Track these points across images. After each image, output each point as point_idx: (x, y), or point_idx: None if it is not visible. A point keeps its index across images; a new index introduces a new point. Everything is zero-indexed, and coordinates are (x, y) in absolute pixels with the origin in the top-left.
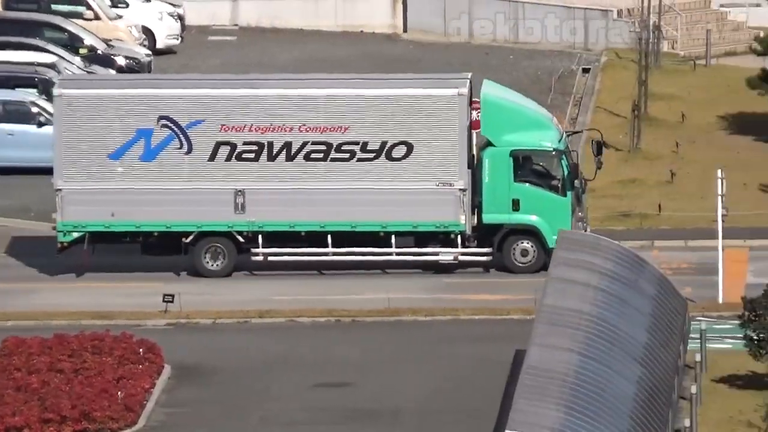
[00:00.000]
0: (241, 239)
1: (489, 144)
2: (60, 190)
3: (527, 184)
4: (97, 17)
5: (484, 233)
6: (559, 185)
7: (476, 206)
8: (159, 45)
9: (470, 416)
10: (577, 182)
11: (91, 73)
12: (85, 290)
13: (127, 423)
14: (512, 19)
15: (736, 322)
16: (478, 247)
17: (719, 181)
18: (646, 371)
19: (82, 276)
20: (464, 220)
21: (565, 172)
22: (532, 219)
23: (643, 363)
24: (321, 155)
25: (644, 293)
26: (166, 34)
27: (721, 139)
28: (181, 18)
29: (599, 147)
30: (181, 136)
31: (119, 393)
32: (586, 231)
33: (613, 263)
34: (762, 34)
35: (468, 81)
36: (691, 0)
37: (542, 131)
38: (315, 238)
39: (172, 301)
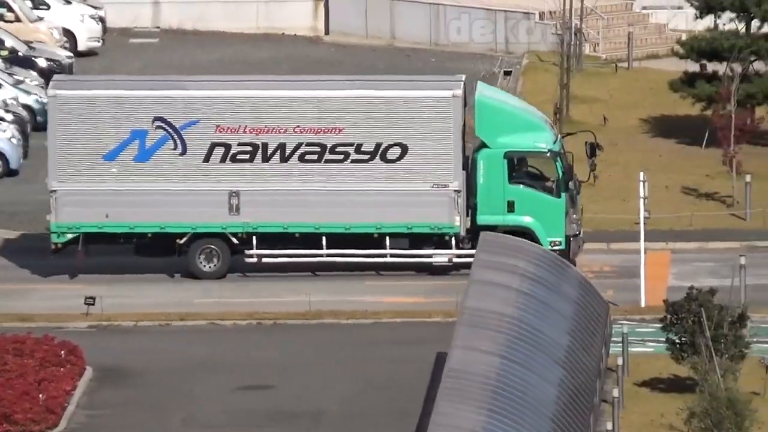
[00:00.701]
0: (235, 240)
1: (483, 146)
2: (54, 191)
3: (522, 186)
4: (17, 19)
5: (478, 235)
6: (554, 187)
7: (471, 208)
8: (80, 47)
9: (392, 418)
10: (571, 184)
11: (12, 75)
12: (5, 293)
13: (48, 425)
14: (434, 21)
15: (658, 325)
16: (472, 248)
17: (641, 183)
18: (567, 374)
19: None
20: (459, 222)
21: (560, 174)
22: (527, 220)
23: (564, 366)
24: (315, 156)
25: (566, 296)
26: (88, 37)
27: (643, 142)
28: (102, 20)
29: (593, 149)
30: (175, 137)
31: (40, 395)
32: (580, 233)
33: (536, 266)
34: (684, 37)
35: (462, 83)
36: (612, 3)
37: (537, 133)
38: (309, 240)
39: (93, 304)
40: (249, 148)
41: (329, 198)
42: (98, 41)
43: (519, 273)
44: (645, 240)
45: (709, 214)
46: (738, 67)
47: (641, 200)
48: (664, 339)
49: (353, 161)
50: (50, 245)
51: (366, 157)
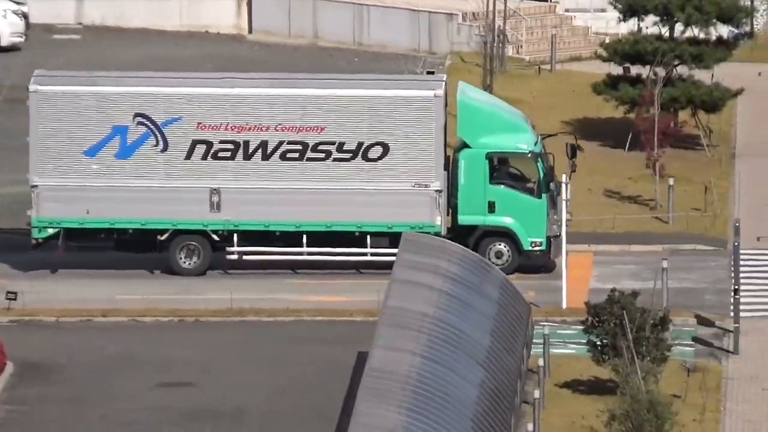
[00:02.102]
0: (216, 238)
1: (465, 146)
2: (35, 186)
3: (503, 186)
4: None
5: (459, 234)
6: (535, 188)
7: (452, 208)
8: (3, 43)
9: (312, 417)
10: (552, 185)
11: None
12: None
13: None
14: (358, 21)
15: (580, 327)
16: None
17: (563, 185)
18: (489, 375)
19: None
20: (440, 221)
21: (541, 175)
22: (508, 221)
23: (486, 367)
24: (297, 155)
25: (488, 297)
26: (11, 32)
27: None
28: (25, 16)
29: (573, 150)
30: (157, 133)
31: None
32: (560, 234)
33: (458, 266)
34: (607, 40)
35: (444, 83)
36: (535, 5)
37: (518, 134)
38: (290, 238)
39: (15, 299)
40: (230, 146)
41: (310, 196)
42: (21, 37)
43: (441, 273)
44: (567, 242)
45: (632, 217)
46: (661, 71)
47: (563, 202)
48: (585, 341)
49: (335, 160)
50: (30, 240)
51: (348, 156)
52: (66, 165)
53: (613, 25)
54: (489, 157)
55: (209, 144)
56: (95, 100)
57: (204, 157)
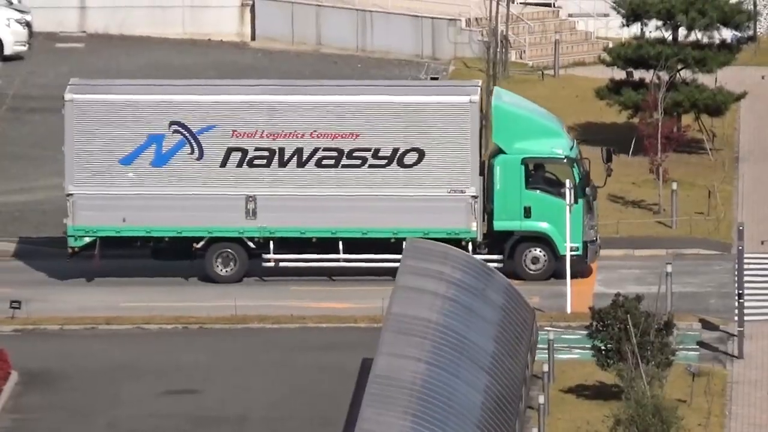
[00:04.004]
0: (252, 245)
1: (500, 151)
2: (71, 195)
3: (538, 192)
4: None
5: (495, 240)
6: (571, 192)
7: (487, 213)
8: (6, 51)
9: (317, 424)
10: (588, 189)
11: None
12: None
13: None
14: (361, 27)
15: (584, 332)
16: (489, 254)
17: (567, 191)
18: (493, 381)
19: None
20: (475, 227)
21: (576, 180)
22: (543, 226)
23: (490, 372)
24: (332, 161)
25: (492, 303)
26: (14, 41)
27: None
28: (28, 25)
29: (609, 154)
30: (192, 141)
31: None
32: (597, 239)
33: (462, 272)
34: (610, 45)
35: (479, 88)
36: (539, 10)
37: (553, 139)
38: (326, 245)
39: (19, 308)
40: (266, 153)
41: (346, 203)
42: (25, 45)
43: (445, 279)
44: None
45: (636, 222)
46: (664, 75)
47: (568, 208)
48: (589, 346)
49: (370, 166)
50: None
51: (383, 162)
52: (102, 173)
53: (616, 30)
54: (525, 162)
55: (244, 151)
56: (131, 108)
57: (239, 165)
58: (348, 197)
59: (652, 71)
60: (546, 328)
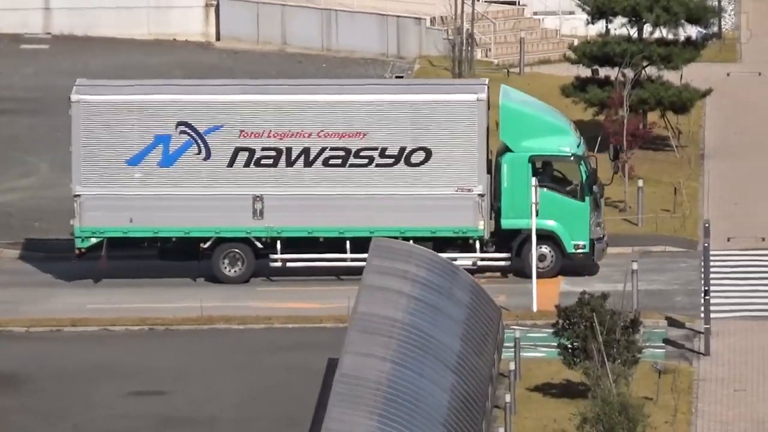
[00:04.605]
0: (259, 245)
1: (508, 149)
2: (78, 195)
3: (546, 190)
4: None
5: (502, 238)
6: (578, 190)
7: (495, 211)
8: None
9: (284, 424)
10: (595, 187)
11: None
12: None
13: None
14: (326, 27)
15: (550, 330)
16: (496, 252)
17: (533, 189)
18: (459, 380)
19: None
20: (483, 226)
21: (584, 178)
22: (551, 224)
23: (456, 371)
24: (339, 161)
25: (458, 301)
26: None
27: None
28: None
29: (616, 152)
30: (199, 141)
31: None
32: (604, 236)
33: (427, 271)
34: (576, 42)
35: (486, 86)
36: (504, 8)
37: (561, 137)
38: (334, 244)
39: None
40: (273, 153)
41: (353, 202)
42: None
43: (410, 278)
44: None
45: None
46: (630, 73)
47: (533, 206)
48: (556, 344)
49: (377, 165)
50: (74, 249)
51: (390, 161)
52: (109, 174)
53: (581, 28)
54: (532, 160)
55: (252, 151)
56: (137, 109)
57: (246, 165)
58: (355, 197)
59: (617, 68)
60: (512, 327)
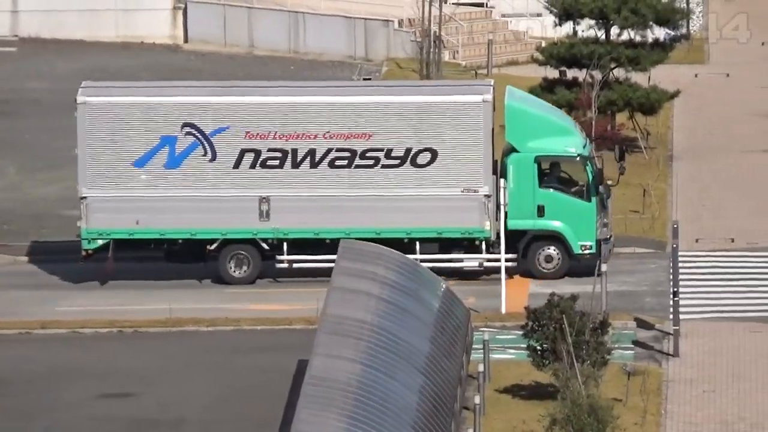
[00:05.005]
0: (265, 246)
1: (513, 150)
2: (84, 197)
3: (552, 190)
4: None
5: (508, 239)
6: (584, 191)
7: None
8: None
9: (253, 425)
10: (601, 188)
11: None
12: None
13: None
14: (293, 29)
15: (520, 332)
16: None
17: (501, 189)
18: (428, 381)
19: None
20: (489, 226)
21: (590, 178)
22: (557, 225)
23: (425, 373)
24: (345, 162)
25: (427, 303)
26: None
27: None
28: None
29: (621, 152)
30: (205, 143)
31: None
32: (610, 237)
33: (396, 273)
34: (543, 44)
35: (492, 87)
36: (472, 10)
37: (566, 137)
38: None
39: None
40: (279, 154)
41: (359, 203)
42: None
43: (379, 280)
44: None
45: None
46: (598, 74)
47: (502, 207)
48: (525, 346)
49: (383, 167)
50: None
51: (396, 162)
52: (115, 176)
53: (549, 30)
54: (538, 161)
55: (257, 153)
56: (143, 110)
57: (252, 166)
58: (361, 198)
59: (585, 70)
60: (481, 329)
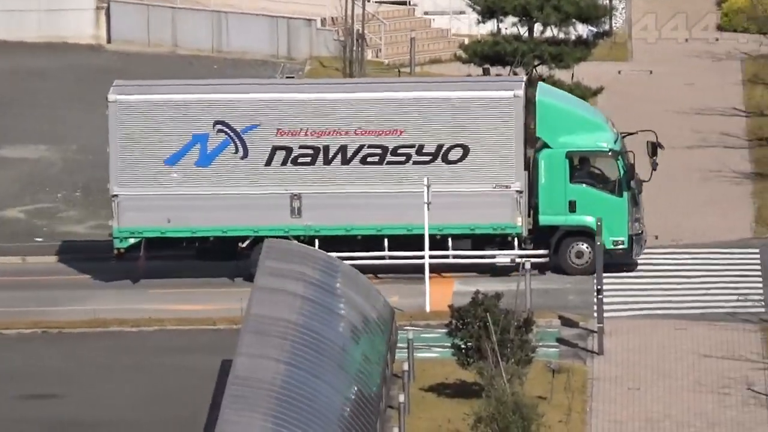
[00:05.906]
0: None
1: (545, 146)
2: (116, 196)
3: (584, 186)
4: None
5: (540, 235)
6: (616, 186)
7: (532, 208)
8: None
9: (178, 426)
10: (633, 183)
11: None
12: None
13: None
14: (216, 28)
15: (444, 330)
16: (535, 249)
17: (425, 189)
18: (353, 380)
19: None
20: (521, 222)
21: (621, 173)
22: (589, 220)
23: (350, 372)
24: (377, 159)
25: (352, 302)
26: None
27: None
28: None
29: (654, 148)
30: (236, 140)
31: None
32: (643, 232)
33: (321, 272)
34: (466, 42)
35: (523, 83)
36: (394, 8)
37: (598, 132)
38: (372, 242)
39: None
40: (310, 151)
41: (391, 200)
42: None
43: (304, 280)
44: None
45: None
46: (521, 72)
47: (425, 205)
48: (449, 344)
49: (415, 163)
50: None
51: (428, 158)
52: (146, 174)
53: (472, 27)
54: (569, 156)
55: (289, 150)
56: (175, 108)
57: (284, 163)
58: (393, 194)
59: (508, 68)
60: (405, 327)
